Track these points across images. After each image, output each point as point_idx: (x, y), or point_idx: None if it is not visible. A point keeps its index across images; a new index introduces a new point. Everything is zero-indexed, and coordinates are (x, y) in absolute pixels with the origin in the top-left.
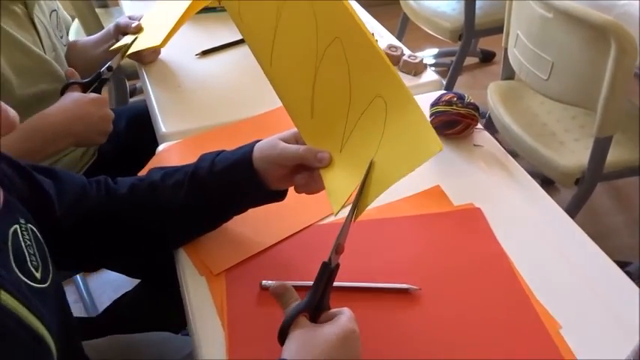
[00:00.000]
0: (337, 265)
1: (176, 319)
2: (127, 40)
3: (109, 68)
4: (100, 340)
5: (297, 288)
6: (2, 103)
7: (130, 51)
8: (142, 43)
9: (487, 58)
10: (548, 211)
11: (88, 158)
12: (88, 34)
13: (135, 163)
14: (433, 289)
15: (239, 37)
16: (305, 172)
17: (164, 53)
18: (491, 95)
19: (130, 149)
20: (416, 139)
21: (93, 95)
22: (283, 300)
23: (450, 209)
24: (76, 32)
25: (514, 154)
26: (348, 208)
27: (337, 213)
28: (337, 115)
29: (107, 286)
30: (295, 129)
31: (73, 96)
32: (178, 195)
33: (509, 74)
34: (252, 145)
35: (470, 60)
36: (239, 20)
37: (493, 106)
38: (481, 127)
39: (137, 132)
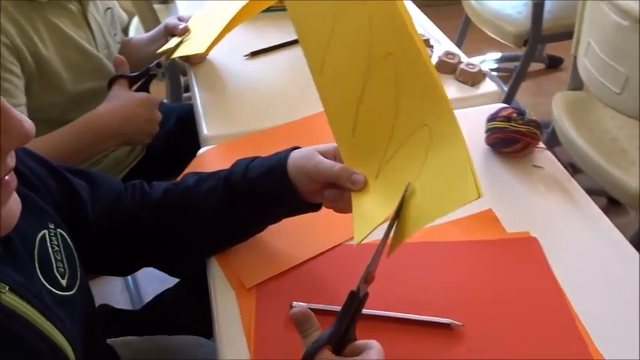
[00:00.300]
0: (366, 295)
1: (210, 323)
2: (173, 42)
3: (158, 64)
4: (134, 338)
5: (326, 312)
6: (18, 113)
7: (174, 56)
8: (186, 48)
9: (554, 64)
10: (614, 246)
11: (136, 154)
12: (146, 30)
13: (182, 161)
14: (478, 326)
15: (289, 38)
16: (336, 190)
17: (212, 53)
18: (557, 106)
19: (178, 147)
20: (455, 180)
21: (142, 96)
22: (303, 328)
23: (502, 237)
24: (135, 29)
25: (577, 170)
26: (380, 232)
27: (358, 243)
28: (379, 138)
29: (153, 277)
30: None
31: (123, 96)
32: (211, 201)
33: (577, 84)
34: (288, 153)
35: (535, 65)
36: (297, 21)
37: (558, 118)
38: (542, 146)
39: (186, 130)
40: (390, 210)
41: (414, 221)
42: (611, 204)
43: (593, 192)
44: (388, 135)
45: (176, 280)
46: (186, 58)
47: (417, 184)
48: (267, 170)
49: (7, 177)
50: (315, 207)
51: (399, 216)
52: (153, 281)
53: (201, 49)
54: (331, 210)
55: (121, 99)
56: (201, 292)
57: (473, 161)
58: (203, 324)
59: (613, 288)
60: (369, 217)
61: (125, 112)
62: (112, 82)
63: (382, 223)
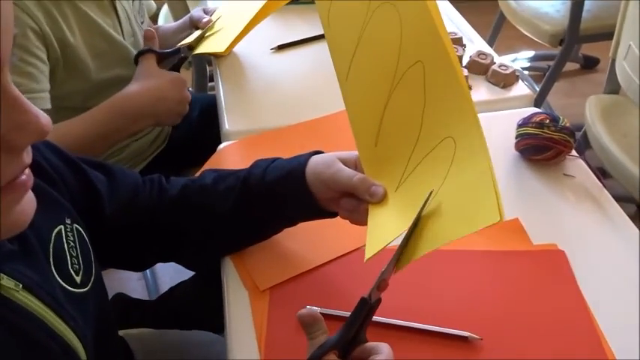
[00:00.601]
0: (378, 300)
1: (223, 318)
2: (196, 34)
3: (190, 47)
4: (147, 331)
5: (338, 318)
6: (35, 108)
7: (196, 52)
8: (207, 45)
9: (590, 64)
10: None
11: (159, 144)
12: (175, 19)
13: (204, 153)
14: (496, 341)
15: (317, 32)
16: (354, 200)
17: (238, 45)
18: (590, 109)
19: (200, 139)
20: (477, 200)
21: (172, 75)
22: (310, 330)
23: (528, 248)
24: (165, 17)
25: (607, 176)
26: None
27: (367, 260)
28: (402, 149)
29: (170, 266)
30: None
31: (153, 75)
32: (228, 201)
33: (613, 88)
34: (308, 157)
35: (569, 65)
36: (327, 24)
37: (591, 121)
38: (575, 154)
39: (209, 122)
40: (405, 227)
41: (429, 240)
42: None
43: (622, 199)
44: (412, 147)
45: (192, 272)
46: (209, 54)
47: (437, 201)
48: (285, 174)
49: (23, 176)
50: (333, 214)
51: (414, 230)
52: (170, 270)
53: (221, 49)
54: None
55: (152, 78)
56: (216, 286)
57: (497, 181)
58: (216, 318)
59: None
60: (383, 233)
61: (157, 93)
62: (139, 55)
63: (395, 239)
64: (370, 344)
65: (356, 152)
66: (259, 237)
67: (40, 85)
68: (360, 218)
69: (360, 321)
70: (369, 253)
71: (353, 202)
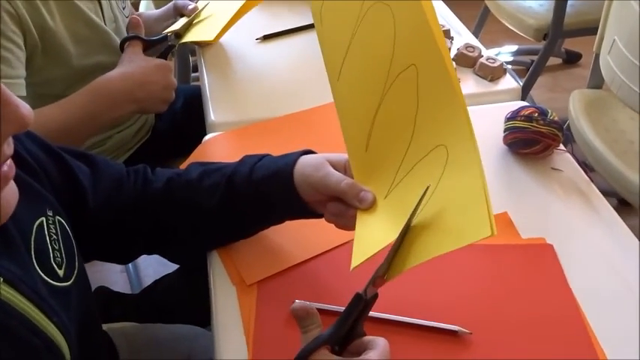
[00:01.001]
0: (375, 296)
1: (209, 311)
2: (181, 22)
3: (177, 35)
4: (131, 325)
5: (329, 312)
6: (16, 98)
7: (183, 41)
8: (195, 34)
9: (572, 59)
10: (634, 257)
11: (142, 135)
12: (157, 7)
13: (188, 144)
14: (486, 334)
15: (304, 22)
16: (341, 205)
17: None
18: (574, 103)
19: (184, 130)
20: (468, 212)
21: (158, 61)
22: (303, 324)
23: (517, 242)
24: (146, 4)
25: (590, 169)
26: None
27: (353, 269)
28: (393, 155)
29: (153, 259)
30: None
31: (137, 61)
32: (213, 198)
33: (597, 83)
34: (296, 157)
35: (552, 60)
36: (319, 20)
37: (574, 116)
38: (563, 148)
39: (193, 113)
40: (394, 236)
41: (419, 252)
42: (622, 205)
43: (604, 192)
44: (403, 153)
45: (176, 265)
46: (196, 42)
47: (428, 211)
48: (272, 173)
49: (4, 167)
50: (320, 215)
51: (405, 237)
52: (153, 263)
53: (210, 37)
54: None
55: (136, 63)
56: (201, 279)
57: (489, 194)
58: (202, 312)
59: (630, 301)
60: (370, 242)
61: (141, 77)
62: (124, 42)
63: (384, 249)
64: (367, 338)
65: (346, 155)
66: (245, 234)
67: (15, 71)
68: (346, 223)
69: (355, 316)
70: (355, 261)
71: (340, 207)
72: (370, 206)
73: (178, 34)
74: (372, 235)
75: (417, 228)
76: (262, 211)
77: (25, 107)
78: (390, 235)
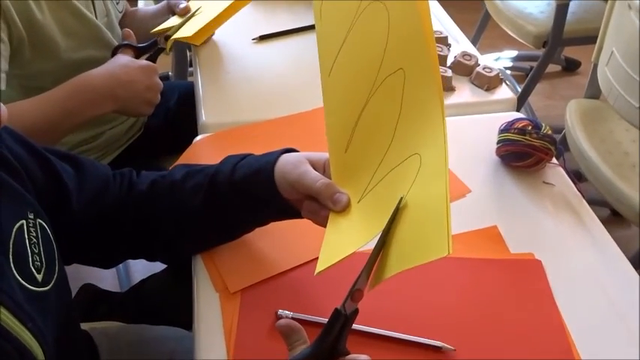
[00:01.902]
0: (355, 311)
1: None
2: (172, 21)
3: (167, 38)
4: (114, 325)
5: (313, 323)
6: None
7: (173, 38)
8: (180, 32)
9: (571, 67)
10: (622, 277)
11: (134, 132)
12: (156, 2)
13: (180, 142)
14: (470, 351)
15: (301, 23)
16: (316, 204)
17: (218, 34)
18: (571, 113)
19: (177, 127)
20: (430, 227)
21: (143, 62)
22: (289, 340)
23: (505, 257)
24: (144, 1)
25: (583, 179)
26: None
27: (317, 273)
28: (370, 159)
29: None
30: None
31: (122, 60)
32: (196, 198)
33: (594, 93)
34: (277, 155)
35: (551, 67)
36: (318, 14)
37: (570, 125)
38: (555, 162)
39: (187, 110)
40: (362, 244)
41: (393, 264)
42: (614, 216)
43: (596, 202)
44: (380, 158)
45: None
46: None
47: (397, 222)
48: (253, 172)
49: None
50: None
51: (383, 247)
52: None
53: (188, 34)
54: None
55: (121, 62)
56: (187, 280)
57: (450, 211)
58: (187, 314)
59: (615, 320)
60: (338, 247)
61: (123, 76)
62: (116, 49)
63: (348, 255)
64: (351, 356)
65: (327, 154)
66: (229, 235)
67: None
68: (323, 222)
69: (336, 332)
70: (320, 266)
71: (315, 206)
72: (344, 209)
73: (168, 37)
74: (341, 240)
75: (392, 237)
76: (245, 211)
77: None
78: (358, 242)
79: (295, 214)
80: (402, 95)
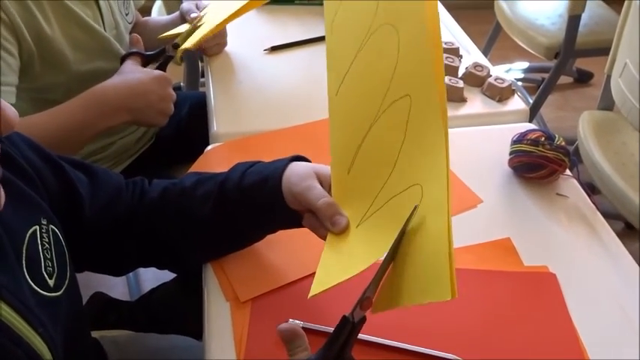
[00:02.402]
0: (363, 319)
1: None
2: (182, 28)
3: (175, 45)
4: (124, 334)
5: (322, 333)
6: (2, 101)
7: (182, 47)
8: (188, 41)
9: (583, 78)
10: (638, 289)
11: (145, 142)
12: (169, 12)
13: (192, 151)
14: None
15: (312, 34)
16: (315, 219)
17: (231, 45)
18: (583, 124)
19: (188, 137)
20: (431, 266)
21: (156, 72)
22: (290, 346)
23: (519, 269)
24: (158, 10)
25: (596, 192)
26: None
27: (311, 297)
28: (371, 184)
29: None
30: None
31: (135, 71)
32: (206, 206)
33: (607, 104)
34: (286, 164)
35: (563, 79)
36: (330, 31)
37: (583, 137)
38: (569, 174)
39: (198, 120)
40: (358, 270)
41: (393, 298)
42: (629, 229)
43: (610, 215)
44: (381, 185)
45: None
46: (201, 49)
47: (399, 253)
48: (260, 180)
49: None
50: None
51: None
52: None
53: (188, 45)
54: None
55: (133, 74)
56: (197, 290)
57: (452, 250)
58: (196, 323)
59: (631, 334)
60: (333, 272)
61: (137, 87)
62: (124, 58)
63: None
64: None
65: None
66: (239, 243)
67: (6, 79)
68: (322, 237)
69: (343, 340)
70: (315, 289)
71: (315, 222)
72: (342, 232)
73: (176, 45)
74: (338, 264)
75: (396, 259)
76: (253, 218)
77: (9, 109)
78: (354, 269)
79: (302, 223)
80: (407, 122)
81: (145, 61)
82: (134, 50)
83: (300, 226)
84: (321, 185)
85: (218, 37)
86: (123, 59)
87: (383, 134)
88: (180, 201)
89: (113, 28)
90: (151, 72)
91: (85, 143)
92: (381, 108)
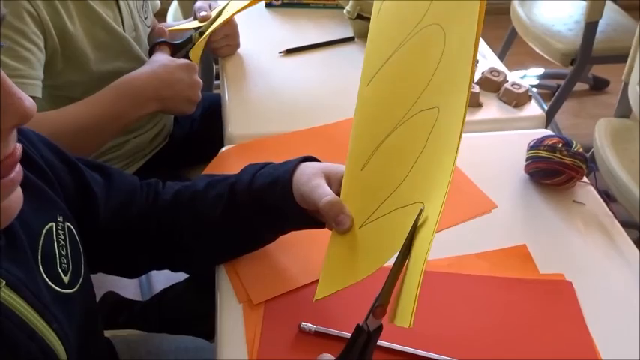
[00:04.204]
0: (379, 327)
1: (214, 324)
2: (192, 24)
3: (201, 33)
4: (135, 334)
5: (337, 338)
6: (19, 90)
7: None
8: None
9: (599, 85)
10: None
11: (160, 142)
12: (185, 17)
13: (205, 152)
14: None
15: (327, 38)
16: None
17: (245, 47)
18: (600, 132)
19: (202, 138)
20: (405, 291)
21: (183, 61)
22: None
23: (534, 277)
24: (174, 14)
25: (612, 200)
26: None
27: (316, 300)
28: (382, 186)
29: None
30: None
31: (162, 60)
32: (217, 208)
33: (624, 112)
34: (296, 165)
35: (579, 85)
36: (376, 13)
37: (599, 144)
38: (586, 181)
39: (212, 122)
40: (360, 278)
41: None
42: None
43: (626, 224)
44: (390, 191)
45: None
46: (212, 50)
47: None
48: (270, 182)
49: (13, 173)
50: (321, 224)
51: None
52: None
53: (194, 57)
54: None
55: (161, 62)
56: (208, 290)
57: (419, 286)
58: (207, 324)
59: None
60: (337, 276)
61: (165, 75)
62: (153, 48)
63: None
64: None
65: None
66: (251, 245)
67: (35, 72)
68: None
69: (359, 349)
70: (320, 293)
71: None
72: (346, 231)
73: (202, 32)
74: (340, 269)
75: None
76: (264, 220)
77: (28, 100)
78: (356, 276)
79: (314, 223)
80: (429, 135)
81: (174, 50)
82: (162, 40)
83: (310, 227)
84: (330, 184)
85: (228, 39)
86: (152, 50)
87: (404, 140)
88: (192, 204)
89: (132, 31)
90: (178, 60)
91: (116, 134)
92: (409, 113)
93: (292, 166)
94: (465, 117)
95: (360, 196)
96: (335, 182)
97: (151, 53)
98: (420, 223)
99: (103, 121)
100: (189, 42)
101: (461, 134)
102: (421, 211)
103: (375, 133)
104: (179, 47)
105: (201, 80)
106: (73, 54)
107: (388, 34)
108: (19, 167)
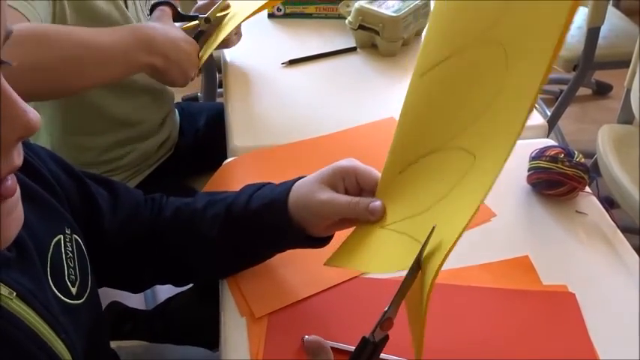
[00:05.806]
0: (385, 338)
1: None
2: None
3: (207, 20)
4: (141, 345)
5: (340, 351)
6: (23, 102)
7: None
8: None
9: (602, 91)
10: None
11: (165, 151)
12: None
13: (210, 162)
14: None
15: (331, 48)
16: (348, 222)
17: (248, 58)
18: (603, 138)
19: (206, 148)
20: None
21: (188, 36)
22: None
23: (537, 288)
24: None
25: (615, 206)
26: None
27: (326, 264)
28: (415, 198)
29: None
30: (334, 164)
31: (173, 26)
32: (214, 228)
33: (627, 118)
34: (290, 185)
35: (581, 91)
36: (439, 10)
37: (602, 151)
38: (588, 191)
39: (216, 131)
40: (369, 271)
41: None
42: None
43: (629, 230)
44: (425, 208)
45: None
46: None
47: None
48: (267, 203)
49: (8, 181)
50: (323, 242)
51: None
52: None
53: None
54: None
55: (172, 26)
56: (212, 300)
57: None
58: (212, 333)
59: None
60: (352, 257)
61: (174, 40)
62: (154, 7)
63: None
64: None
65: (337, 166)
66: (249, 263)
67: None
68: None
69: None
70: (332, 260)
71: (347, 224)
72: (380, 217)
73: (208, 20)
74: (357, 253)
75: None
76: (260, 242)
77: (32, 111)
78: (366, 267)
79: (313, 242)
80: (464, 176)
81: (176, 15)
82: (165, 0)
83: (307, 246)
84: (336, 188)
85: (236, 28)
86: (153, 8)
87: (443, 164)
88: (191, 222)
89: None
90: (183, 32)
91: (118, 75)
92: (453, 141)
93: (287, 187)
94: (503, 166)
95: (390, 199)
96: (336, 185)
97: (151, 11)
98: (434, 246)
99: (108, 53)
100: (193, 18)
101: (494, 181)
102: (433, 228)
103: (427, 136)
104: (183, 17)
105: (199, 62)
106: (86, 11)
107: (451, 29)
108: (13, 178)
